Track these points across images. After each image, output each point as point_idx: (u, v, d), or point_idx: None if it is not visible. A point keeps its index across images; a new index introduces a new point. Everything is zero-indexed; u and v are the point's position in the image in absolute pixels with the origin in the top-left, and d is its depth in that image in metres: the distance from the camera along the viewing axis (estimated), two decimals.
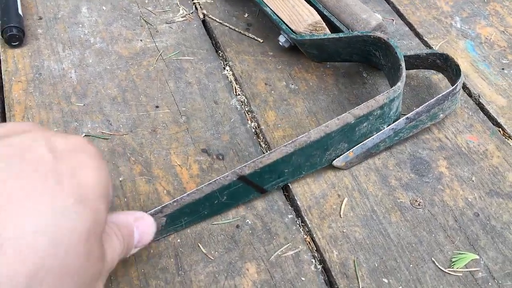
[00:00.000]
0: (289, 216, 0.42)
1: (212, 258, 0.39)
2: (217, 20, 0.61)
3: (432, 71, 0.55)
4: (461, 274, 0.39)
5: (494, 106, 0.52)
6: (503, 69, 0.56)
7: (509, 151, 0.48)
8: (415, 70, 0.55)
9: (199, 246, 0.39)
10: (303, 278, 0.38)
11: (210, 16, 0.61)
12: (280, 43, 0.55)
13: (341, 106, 0.51)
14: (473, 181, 0.45)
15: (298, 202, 0.43)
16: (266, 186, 0.42)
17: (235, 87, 0.53)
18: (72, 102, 0.50)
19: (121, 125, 0.48)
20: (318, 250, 0.40)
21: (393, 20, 0.62)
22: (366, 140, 0.45)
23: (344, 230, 0.41)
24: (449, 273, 0.39)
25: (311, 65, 0.56)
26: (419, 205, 0.43)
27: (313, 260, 0.39)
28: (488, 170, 0.46)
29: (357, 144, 0.44)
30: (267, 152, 0.45)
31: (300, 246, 0.40)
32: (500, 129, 0.50)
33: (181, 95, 0.52)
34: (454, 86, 0.46)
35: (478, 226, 0.42)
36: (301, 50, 0.55)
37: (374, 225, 0.42)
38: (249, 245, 0.40)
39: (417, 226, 0.42)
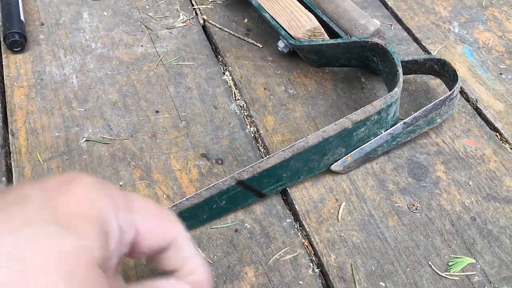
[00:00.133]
0: (288, 220, 0.42)
1: (211, 262, 0.39)
2: (217, 25, 0.61)
3: (430, 76, 0.55)
4: (457, 278, 0.39)
5: (491, 111, 0.52)
6: (500, 74, 0.57)
7: (506, 156, 0.48)
8: (413, 75, 0.55)
9: (198, 250, 0.40)
10: (301, 282, 0.39)
11: (210, 21, 0.62)
12: (279, 49, 0.55)
13: (339, 111, 0.52)
14: (470, 185, 0.45)
15: (296, 206, 0.43)
16: (264, 190, 0.42)
17: (234, 92, 0.54)
18: (73, 107, 0.51)
19: (121, 130, 0.49)
20: (316, 254, 0.40)
21: (391, 25, 0.63)
22: (364, 145, 0.45)
23: (342, 234, 0.42)
24: (446, 277, 0.39)
25: (310, 70, 0.56)
26: (416, 209, 0.43)
27: (311, 264, 0.40)
28: (485, 175, 0.46)
29: (355, 149, 0.45)
30: (266, 156, 0.45)
31: (298, 250, 0.40)
32: (497, 133, 0.50)
33: (181, 100, 0.52)
34: (451, 91, 0.47)
35: (474, 230, 0.42)
36: (300, 56, 0.56)
37: (372, 229, 0.42)
38: (248, 249, 0.40)
39: (414, 230, 0.42)
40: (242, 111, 0.52)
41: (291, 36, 0.53)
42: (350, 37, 0.54)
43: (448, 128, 0.50)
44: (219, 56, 0.58)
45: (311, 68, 0.56)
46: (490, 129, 0.51)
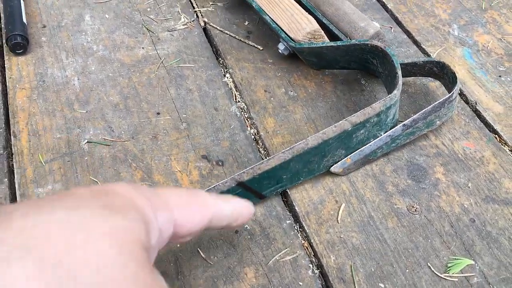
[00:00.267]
0: (287, 221, 0.43)
1: (211, 263, 0.39)
2: (218, 28, 0.62)
3: (430, 78, 0.55)
4: (456, 279, 0.39)
5: (490, 113, 0.53)
6: (500, 76, 0.57)
7: (505, 158, 0.48)
8: (412, 77, 0.55)
9: (198, 251, 0.40)
10: (300, 283, 0.39)
11: (211, 24, 0.62)
12: (280, 51, 0.56)
13: (339, 113, 0.52)
14: (469, 187, 0.46)
15: (296, 208, 0.43)
16: (264, 192, 0.42)
17: (235, 94, 0.54)
18: (75, 109, 0.51)
19: (122, 132, 0.49)
20: (315, 255, 0.41)
21: (391, 28, 0.63)
22: (364, 147, 0.45)
23: (342, 236, 0.42)
24: (445, 278, 0.39)
25: (310, 73, 0.56)
26: (415, 211, 0.44)
27: (311, 265, 0.40)
28: (484, 177, 0.47)
29: (355, 151, 0.45)
30: (266, 158, 0.46)
31: (298, 251, 0.41)
32: (496, 136, 0.51)
33: (182, 102, 0.52)
34: (450, 94, 0.47)
35: (474, 232, 0.42)
36: (300, 58, 0.56)
37: (371, 231, 0.42)
38: (248, 250, 0.40)
39: (413, 232, 0.42)
40: (242, 113, 0.52)
41: (291, 38, 0.53)
42: (350, 39, 0.54)
43: (448, 130, 0.51)
44: (220, 59, 0.59)
45: (311, 70, 0.57)
46: (489, 131, 0.51)
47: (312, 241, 0.41)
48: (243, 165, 0.47)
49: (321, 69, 0.57)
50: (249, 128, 0.50)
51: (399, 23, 0.64)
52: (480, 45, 0.61)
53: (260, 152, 0.48)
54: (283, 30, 0.54)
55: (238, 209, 0.33)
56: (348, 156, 0.45)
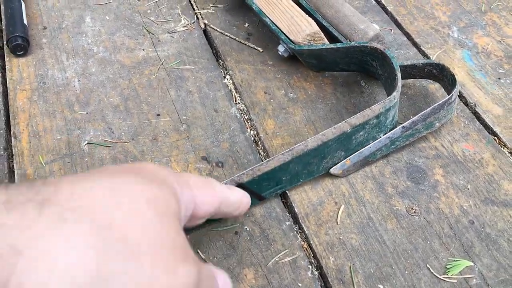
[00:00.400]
0: (287, 223, 0.43)
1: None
2: (218, 30, 0.62)
3: (429, 80, 0.56)
4: (455, 281, 0.39)
5: (490, 115, 0.53)
6: (499, 78, 0.57)
7: (504, 160, 0.48)
8: (412, 79, 0.56)
9: (198, 252, 0.40)
10: (300, 284, 0.39)
11: (211, 26, 0.63)
12: (280, 53, 0.56)
13: (339, 115, 0.52)
14: (468, 189, 0.46)
15: (295, 209, 0.44)
16: (264, 193, 0.43)
17: (235, 95, 0.54)
18: (75, 110, 0.51)
19: (123, 133, 0.49)
20: (315, 256, 0.41)
21: (391, 30, 0.63)
22: (363, 149, 0.45)
23: (341, 237, 0.42)
24: (444, 280, 0.39)
25: (310, 74, 0.57)
26: (415, 212, 0.44)
27: (310, 266, 0.40)
28: (483, 178, 0.47)
29: (354, 153, 0.45)
30: (265, 160, 0.46)
31: (297, 253, 0.41)
32: (495, 138, 0.51)
33: (182, 104, 0.53)
34: (449, 96, 0.47)
35: (473, 234, 0.42)
36: (300, 60, 0.56)
37: (370, 232, 0.42)
38: (247, 251, 0.41)
39: (412, 233, 0.42)
40: (242, 114, 0.52)
41: (291, 40, 0.53)
42: (350, 41, 0.54)
43: (447, 132, 0.51)
44: (220, 60, 0.59)
45: (311, 72, 0.57)
46: (489, 133, 0.51)
47: (311, 242, 0.41)
48: (243, 166, 0.47)
49: (321, 71, 0.57)
50: (249, 130, 0.51)
51: (398, 25, 0.64)
52: (479, 47, 0.61)
53: (259, 153, 0.49)
54: (283, 32, 0.54)
55: (240, 197, 0.36)
56: (348, 158, 0.45)
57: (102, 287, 0.20)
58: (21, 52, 0.56)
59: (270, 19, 0.55)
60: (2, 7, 0.60)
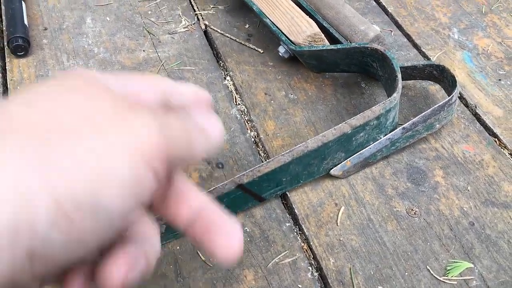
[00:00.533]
0: (287, 224, 0.43)
1: (211, 265, 0.40)
2: (219, 31, 0.62)
3: (429, 82, 0.56)
4: (455, 283, 0.39)
5: (490, 117, 0.53)
6: (499, 80, 0.57)
7: (505, 161, 0.48)
8: (412, 80, 0.56)
9: (198, 253, 0.40)
10: (300, 286, 0.39)
11: (212, 27, 0.63)
12: (280, 54, 0.56)
13: (339, 116, 0.52)
14: (468, 190, 0.46)
15: (296, 210, 0.44)
16: (264, 194, 0.43)
17: (235, 96, 0.54)
18: None
19: None
20: (315, 257, 0.41)
21: (391, 31, 0.63)
22: (363, 150, 0.45)
23: (341, 238, 0.42)
24: (444, 281, 0.39)
25: (310, 76, 0.57)
26: (415, 214, 0.44)
27: (310, 268, 0.40)
28: (483, 180, 0.47)
29: (354, 154, 0.45)
30: (266, 161, 0.46)
31: (297, 254, 0.41)
32: (496, 139, 0.51)
33: None
34: (450, 97, 0.47)
35: (473, 235, 0.42)
36: (301, 61, 0.56)
37: (371, 234, 0.42)
38: (247, 253, 0.41)
39: (412, 235, 0.42)
40: (242, 115, 0.52)
41: (291, 41, 0.53)
42: (350, 43, 0.54)
43: (447, 134, 0.51)
44: (220, 61, 0.59)
45: (311, 73, 0.57)
46: (489, 134, 0.51)
47: (311, 243, 0.41)
48: (243, 167, 0.47)
49: (321, 72, 0.57)
50: (249, 131, 0.51)
51: (399, 27, 0.64)
52: (480, 48, 0.61)
53: (260, 154, 0.49)
54: (283, 33, 0.54)
55: (196, 91, 0.27)
56: (348, 159, 0.45)
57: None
58: (22, 53, 0.56)
59: (270, 20, 0.55)
60: (3, 7, 0.60)
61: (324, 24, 0.57)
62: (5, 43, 0.57)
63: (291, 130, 0.51)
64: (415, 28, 0.64)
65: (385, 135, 0.46)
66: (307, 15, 0.55)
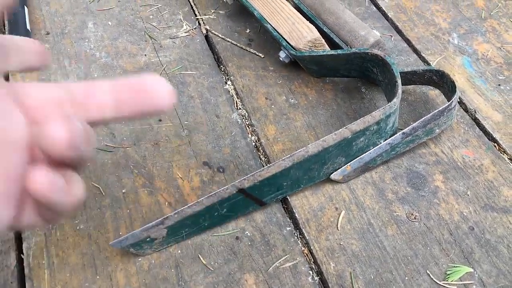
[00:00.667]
0: (288, 228, 0.43)
1: (212, 269, 0.40)
2: (220, 35, 0.62)
3: (429, 86, 0.56)
4: (455, 287, 0.39)
5: (490, 122, 0.53)
6: (499, 85, 0.57)
7: (504, 166, 0.49)
8: (412, 85, 0.56)
9: (199, 257, 0.40)
10: None
11: (213, 31, 0.63)
12: (281, 59, 0.56)
13: (339, 121, 0.52)
14: (468, 195, 0.46)
15: (296, 215, 0.44)
16: (265, 198, 0.43)
17: (236, 101, 0.54)
18: None
19: (124, 138, 0.50)
20: (315, 262, 0.41)
21: (391, 36, 0.64)
22: (363, 154, 0.46)
23: (341, 243, 0.42)
24: (444, 286, 0.39)
25: (311, 80, 0.57)
26: (415, 218, 0.44)
27: (311, 272, 0.40)
28: (483, 185, 0.47)
29: (355, 158, 0.45)
30: (266, 165, 0.46)
31: (298, 258, 0.41)
32: (495, 144, 0.51)
33: (184, 109, 0.53)
34: (449, 102, 0.47)
35: (472, 240, 0.43)
36: (301, 66, 0.57)
37: (371, 238, 0.42)
38: (248, 257, 0.41)
39: (413, 239, 0.42)
40: (243, 120, 0.52)
41: (292, 46, 0.54)
42: (350, 48, 0.55)
43: (447, 138, 0.51)
44: (221, 66, 0.59)
45: (312, 78, 0.57)
46: (488, 139, 0.51)
47: (312, 248, 0.42)
48: (244, 172, 0.47)
49: (322, 77, 0.57)
50: (250, 135, 0.51)
51: (399, 32, 0.65)
52: (479, 53, 0.62)
53: (260, 159, 0.49)
54: (284, 38, 0.54)
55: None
56: (348, 164, 0.45)
57: None
58: None
59: (271, 25, 0.56)
60: (5, 12, 0.61)
61: (324, 29, 0.57)
62: None
63: (291, 135, 0.51)
64: (415, 33, 0.64)
65: (385, 140, 0.46)
66: (308, 20, 0.55)
